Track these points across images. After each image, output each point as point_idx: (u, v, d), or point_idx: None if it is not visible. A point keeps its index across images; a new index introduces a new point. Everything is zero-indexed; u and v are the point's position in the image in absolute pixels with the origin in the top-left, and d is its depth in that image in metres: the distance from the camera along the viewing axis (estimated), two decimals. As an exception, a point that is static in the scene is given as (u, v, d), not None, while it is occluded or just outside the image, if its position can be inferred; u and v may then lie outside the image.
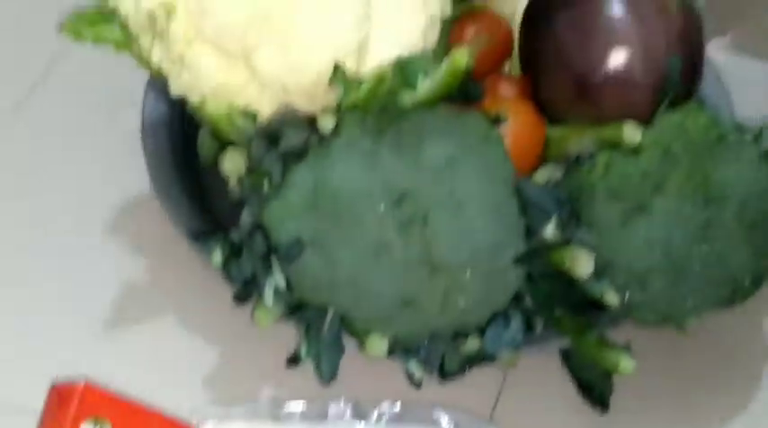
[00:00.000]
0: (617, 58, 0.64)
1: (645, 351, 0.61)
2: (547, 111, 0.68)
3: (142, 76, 0.69)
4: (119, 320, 0.67)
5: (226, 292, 0.60)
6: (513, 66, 0.72)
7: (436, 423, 0.61)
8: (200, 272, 0.65)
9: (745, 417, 0.65)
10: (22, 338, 0.65)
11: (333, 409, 0.60)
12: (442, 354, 0.60)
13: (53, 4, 0.75)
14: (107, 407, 0.56)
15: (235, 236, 0.60)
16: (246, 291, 0.60)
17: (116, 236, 0.71)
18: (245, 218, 0.61)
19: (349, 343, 0.59)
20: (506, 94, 0.69)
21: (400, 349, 0.60)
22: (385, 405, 0.61)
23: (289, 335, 0.60)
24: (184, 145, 0.71)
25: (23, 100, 0.77)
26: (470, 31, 0.70)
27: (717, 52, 0.87)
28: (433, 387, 0.60)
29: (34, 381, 0.60)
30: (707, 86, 0.75)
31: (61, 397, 0.57)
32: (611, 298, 0.59)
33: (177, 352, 0.65)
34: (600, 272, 0.59)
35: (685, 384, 0.66)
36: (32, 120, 0.77)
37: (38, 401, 0.59)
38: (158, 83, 0.68)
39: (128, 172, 0.72)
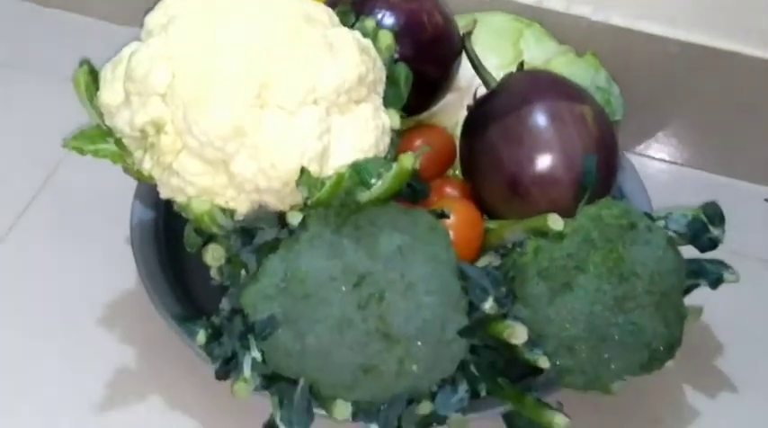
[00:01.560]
0: (542, 161, 0.69)
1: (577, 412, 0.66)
2: (485, 207, 0.73)
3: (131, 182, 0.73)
4: (111, 399, 0.71)
5: (208, 372, 0.64)
6: (456, 170, 0.78)
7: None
8: (184, 356, 0.68)
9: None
10: (22, 417, 0.70)
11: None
12: (399, 417, 0.64)
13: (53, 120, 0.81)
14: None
15: (216, 319, 0.65)
16: (227, 368, 0.64)
17: (109, 324, 0.76)
18: (225, 302, 0.66)
19: (319, 410, 0.63)
20: (451, 194, 0.75)
21: (363, 413, 0.64)
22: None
23: (264, 409, 0.64)
24: (168, 241, 0.75)
25: (22, 210, 0.83)
26: (418, 143, 0.76)
27: (638, 156, 0.95)
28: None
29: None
30: (628, 184, 0.82)
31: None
32: (544, 362, 0.64)
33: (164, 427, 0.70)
34: (533, 341, 0.64)
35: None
36: (32, 225, 0.82)
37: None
38: (146, 188, 0.73)
39: (119, 268, 0.77)
